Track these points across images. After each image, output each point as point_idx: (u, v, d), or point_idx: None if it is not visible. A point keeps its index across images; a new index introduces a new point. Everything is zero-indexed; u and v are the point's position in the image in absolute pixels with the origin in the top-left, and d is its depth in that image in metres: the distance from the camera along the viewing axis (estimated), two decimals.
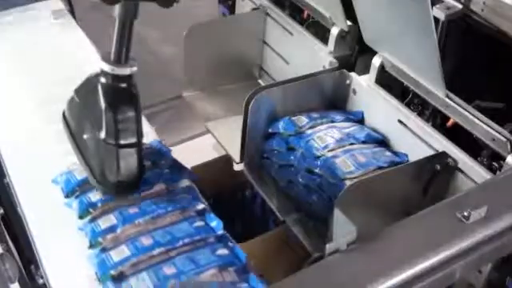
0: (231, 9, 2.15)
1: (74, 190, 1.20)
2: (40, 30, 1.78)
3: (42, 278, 1.14)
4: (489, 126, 1.30)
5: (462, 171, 1.34)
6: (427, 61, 1.34)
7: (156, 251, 1.07)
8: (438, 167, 1.33)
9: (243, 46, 2.00)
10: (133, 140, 1.11)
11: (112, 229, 1.12)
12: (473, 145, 1.35)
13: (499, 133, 1.28)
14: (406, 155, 1.47)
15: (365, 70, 1.59)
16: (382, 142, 1.52)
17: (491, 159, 1.32)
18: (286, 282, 0.93)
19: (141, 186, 1.18)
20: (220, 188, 1.68)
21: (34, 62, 1.65)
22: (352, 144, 1.47)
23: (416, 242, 1.00)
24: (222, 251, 1.10)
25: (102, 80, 1.10)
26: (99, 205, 1.16)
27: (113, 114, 1.09)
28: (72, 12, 1.88)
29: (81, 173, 1.21)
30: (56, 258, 1.13)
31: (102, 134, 1.09)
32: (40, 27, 1.79)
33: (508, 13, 1.41)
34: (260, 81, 2.08)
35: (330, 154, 1.44)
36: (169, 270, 1.05)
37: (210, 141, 1.93)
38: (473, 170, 1.31)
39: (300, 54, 1.82)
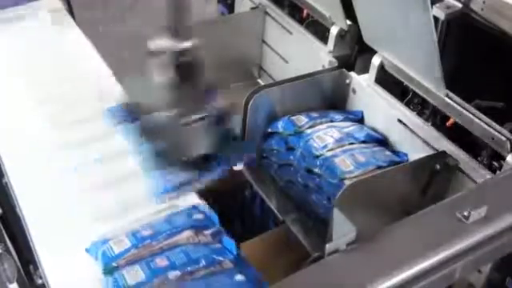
0: (230, 8, 2.15)
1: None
2: (38, 29, 1.77)
3: (40, 278, 1.14)
4: (488, 125, 1.30)
5: (461, 171, 1.33)
6: (427, 60, 1.34)
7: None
8: (438, 167, 1.32)
9: (242, 46, 1.99)
10: (199, 116, 1.08)
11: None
12: (473, 144, 1.35)
13: (499, 132, 1.28)
14: (406, 154, 1.47)
15: (364, 70, 1.59)
16: (382, 142, 1.52)
17: (491, 159, 1.32)
18: (285, 281, 0.93)
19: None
20: (219, 188, 1.67)
21: (32, 61, 1.64)
22: (351, 144, 1.47)
23: (416, 241, 1.00)
24: (196, 216, 1.10)
25: (161, 58, 1.06)
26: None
27: (175, 90, 1.05)
28: (70, 11, 1.88)
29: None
30: (55, 259, 1.13)
31: (167, 112, 1.06)
32: (38, 26, 1.78)
33: (508, 12, 1.41)
34: (259, 80, 2.08)
35: (329, 154, 1.43)
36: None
37: None
38: (473, 170, 1.31)
39: (299, 54, 1.82)
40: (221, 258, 1.08)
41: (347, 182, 1.35)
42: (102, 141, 1.36)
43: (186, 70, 1.08)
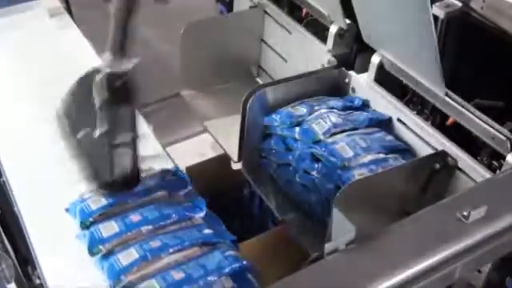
0: (229, 7, 2.15)
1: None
2: (37, 28, 1.77)
3: (38, 278, 1.14)
4: (488, 124, 1.29)
5: (461, 170, 1.33)
6: (426, 59, 1.33)
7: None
8: (438, 166, 1.32)
9: (241, 45, 1.99)
10: (127, 139, 1.10)
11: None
12: (472, 144, 1.34)
13: (499, 131, 1.28)
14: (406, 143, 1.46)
15: (364, 69, 1.58)
16: (384, 126, 1.50)
17: (491, 158, 1.32)
18: (284, 281, 0.92)
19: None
20: (218, 187, 1.67)
21: (30, 60, 1.64)
22: (353, 129, 1.45)
23: (415, 241, 0.99)
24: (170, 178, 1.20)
25: (98, 77, 1.09)
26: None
27: (107, 111, 1.08)
28: (69, 10, 1.88)
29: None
30: (53, 258, 1.13)
31: (97, 132, 1.08)
32: (37, 25, 1.78)
33: (508, 11, 1.41)
34: (258, 79, 2.08)
35: (330, 140, 1.42)
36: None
37: (207, 140, 1.92)
38: (472, 169, 1.30)
39: (298, 53, 1.82)
40: (191, 215, 1.16)
41: (351, 165, 1.35)
42: None
43: (121, 91, 1.09)
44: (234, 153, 1.60)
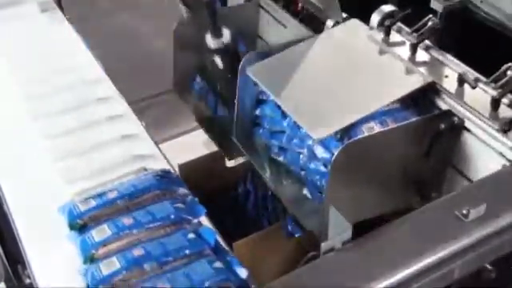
0: (223, 1, 2.13)
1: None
2: (27, 23, 1.75)
3: (28, 277, 1.12)
4: None
5: (469, 130, 1.23)
6: None
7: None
8: (443, 126, 1.22)
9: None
10: None
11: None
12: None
13: None
14: None
15: None
16: None
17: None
18: (280, 281, 0.91)
19: None
20: (211, 185, 1.66)
21: (20, 55, 1.62)
22: None
23: (413, 240, 0.98)
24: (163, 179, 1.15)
25: None
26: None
27: None
28: (59, 5, 1.86)
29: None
30: (43, 258, 1.11)
31: None
32: (27, 20, 1.76)
33: (507, 4, 1.40)
34: None
35: None
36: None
37: (201, 136, 1.91)
38: (480, 129, 1.21)
39: None
40: (188, 217, 1.11)
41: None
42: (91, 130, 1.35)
43: None
44: (228, 150, 1.58)
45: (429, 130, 1.22)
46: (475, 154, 1.22)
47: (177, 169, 1.46)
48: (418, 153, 1.24)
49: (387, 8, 1.42)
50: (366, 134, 1.22)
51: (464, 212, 0.97)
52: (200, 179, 1.41)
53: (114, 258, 1.02)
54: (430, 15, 1.34)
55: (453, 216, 0.98)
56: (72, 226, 1.10)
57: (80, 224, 1.09)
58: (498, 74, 1.20)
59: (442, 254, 0.94)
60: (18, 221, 1.18)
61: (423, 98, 1.32)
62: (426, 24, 1.34)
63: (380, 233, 0.98)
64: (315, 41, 1.50)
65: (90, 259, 1.04)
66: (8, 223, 1.20)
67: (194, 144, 1.70)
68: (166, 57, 1.85)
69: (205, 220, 1.14)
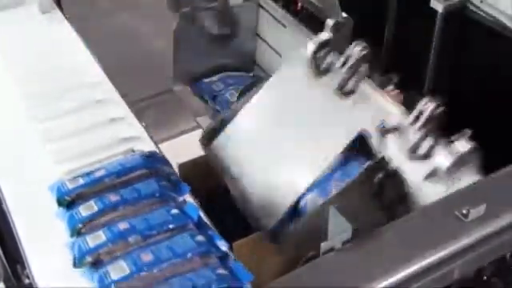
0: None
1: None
2: (27, 23, 1.75)
3: (28, 278, 1.12)
4: None
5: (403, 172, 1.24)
6: None
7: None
8: (381, 176, 1.23)
9: (235, 39, 1.97)
10: None
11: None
12: None
13: None
14: None
15: None
16: None
17: None
18: (279, 281, 0.92)
19: None
20: (211, 185, 1.66)
21: (20, 55, 1.62)
22: None
23: (413, 240, 0.98)
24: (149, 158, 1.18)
25: None
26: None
27: None
28: (59, 5, 1.86)
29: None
30: (42, 258, 1.11)
31: None
32: (27, 20, 1.76)
33: (507, 4, 1.40)
34: (252, 74, 2.06)
35: None
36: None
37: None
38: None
39: (294, 47, 1.79)
40: (173, 195, 1.14)
41: None
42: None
43: None
44: None
45: (369, 181, 1.24)
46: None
47: (176, 169, 1.46)
48: (374, 203, 1.25)
49: (323, 36, 1.45)
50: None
51: (464, 212, 0.97)
52: (200, 179, 1.41)
53: (100, 232, 1.05)
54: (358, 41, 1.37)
55: (453, 216, 0.98)
56: (60, 203, 1.13)
57: (68, 200, 1.12)
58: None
59: (442, 253, 0.94)
60: (18, 221, 1.18)
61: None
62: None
63: (380, 233, 0.98)
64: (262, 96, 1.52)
65: (77, 233, 1.07)
66: (7, 223, 1.20)
67: (194, 144, 1.69)
68: (166, 57, 1.86)
69: (189, 198, 1.17)
